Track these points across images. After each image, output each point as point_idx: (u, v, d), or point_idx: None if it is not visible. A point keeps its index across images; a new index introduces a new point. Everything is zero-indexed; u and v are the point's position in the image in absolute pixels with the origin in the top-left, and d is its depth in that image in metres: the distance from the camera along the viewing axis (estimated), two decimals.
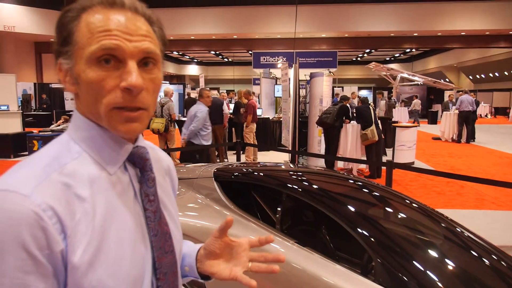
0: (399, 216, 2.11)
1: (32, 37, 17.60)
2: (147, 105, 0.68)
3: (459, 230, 2.02)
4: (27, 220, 0.56)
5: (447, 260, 1.75)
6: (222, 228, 0.83)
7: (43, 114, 16.11)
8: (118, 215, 0.68)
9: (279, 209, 2.22)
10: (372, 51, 24.43)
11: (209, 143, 5.81)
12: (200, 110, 5.63)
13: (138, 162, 0.74)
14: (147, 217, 0.73)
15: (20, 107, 12.56)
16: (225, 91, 12.70)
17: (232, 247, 0.85)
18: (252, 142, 8.18)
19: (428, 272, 1.60)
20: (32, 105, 17.15)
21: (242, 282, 0.74)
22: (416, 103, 17.13)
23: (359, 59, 30.50)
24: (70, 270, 0.60)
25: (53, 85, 18.00)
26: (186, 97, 13.94)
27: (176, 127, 8.25)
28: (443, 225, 2.03)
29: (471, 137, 12.14)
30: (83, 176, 0.66)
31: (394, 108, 14.13)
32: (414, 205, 2.20)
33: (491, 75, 27.79)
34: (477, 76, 29.37)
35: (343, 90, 19.48)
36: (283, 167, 2.77)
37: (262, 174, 2.50)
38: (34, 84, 18.28)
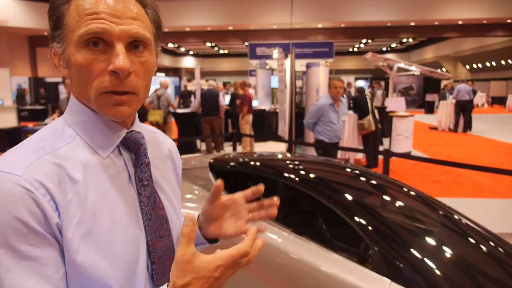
0: (396, 204, 2.09)
1: (25, 31, 17.39)
2: (136, 89, 0.68)
3: (457, 218, 2.00)
4: (23, 197, 0.58)
5: (445, 248, 1.73)
6: (212, 194, 0.83)
7: (38, 108, 16.01)
8: (111, 198, 0.68)
9: (275, 198, 2.20)
10: (369, 41, 24.30)
11: (331, 141, 4.78)
12: (317, 103, 4.94)
13: (132, 147, 0.74)
14: (141, 202, 0.73)
15: (15, 102, 12.47)
16: (221, 83, 12.61)
17: (228, 206, 0.86)
18: (248, 133, 8.15)
19: (425, 259, 1.58)
20: (27, 99, 17.02)
21: (249, 234, 0.76)
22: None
23: (355, 49, 30.36)
24: (65, 247, 0.62)
25: (48, 79, 17.87)
26: (183, 89, 13.89)
27: (173, 119, 8.21)
28: (440, 212, 2.02)
29: (468, 126, 12.15)
30: (76, 159, 0.67)
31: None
32: (411, 192, 2.19)
33: (488, 64, 27.76)
34: (474, 66, 29.35)
35: None
36: (279, 156, 2.75)
37: (258, 163, 2.47)
38: (29, 78, 18.13)
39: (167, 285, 0.62)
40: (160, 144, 0.87)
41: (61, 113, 4.82)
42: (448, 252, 1.70)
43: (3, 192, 0.58)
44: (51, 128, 0.71)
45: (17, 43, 18.17)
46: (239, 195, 0.86)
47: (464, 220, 1.99)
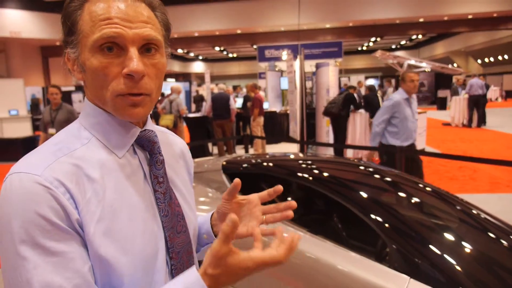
0: (413, 200, 2.07)
1: (38, 42, 17.73)
2: (150, 90, 0.70)
3: (475, 212, 1.97)
4: (44, 196, 0.60)
5: (464, 243, 1.71)
6: (230, 191, 0.84)
7: None
8: (128, 196, 0.70)
9: (289, 198, 2.20)
10: (378, 39, 24.13)
11: (403, 143, 4.05)
12: (389, 98, 4.20)
13: (147, 145, 0.77)
14: (157, 198, 0.75)
15: (29, 111, 12.69)
16: (231, 86, 12.69)
17: (244, 206, 0.87)
18: (260, 136, 8.16)
19: (444, 255, 1.56)
20: (41, 109, 17.30)
21: (258, 237, 0.77)
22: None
23: (364, 48, 30.16)
24: (88, 242, 0.64)
25: (62, 88, 18.12)
26: (194, 93, 14.02)
27: (184, 124, 8.27)
28: (458, 207, 1.99)
29: (482, 121, 11.94)
30: (93, 159, 0.69)
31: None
32: (427, 188, 2.16)
33: (500, 58, 27.27)
34: (486, 60, 28.87)
35: (349, 80, 19.32)
36: (292, 156, 2.74)
37: (271, 164, 2.47)
38: (42, 88, 18.44)
39: (198, 269, 0.64)
40: (172, 144, 0.90)
41: (45, 130, 4.73)
42: (467, 247, 1.67)
43: (25, 190, 0.60)
44: (67, 131, 0.74)
45: (30, 53, 18.53)
46: (254, 196, 0.87)
47: (482, 215, 1.96)
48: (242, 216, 0.87)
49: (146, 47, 0.69)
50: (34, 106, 16.19)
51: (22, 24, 15.87)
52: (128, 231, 0.68)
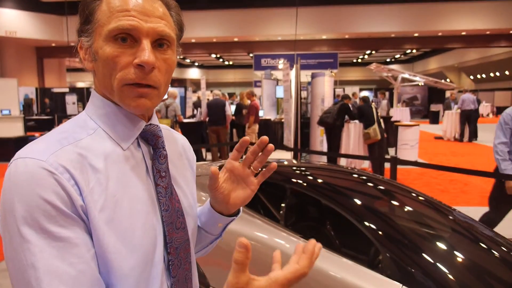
0: (406, 209, 2.09)
1: (33, 42, 17.63)
2: (158, 84, 0.72)
3: (468, 222, 1.99)
4: (49, 180, 0.60)
5: (456, 252, 1.72)
6: (210, 183, 0.82)
7: (45, 118, 16.14)
8: (131, 188, 0.70)
9: (283, 205, 2.20)
10: (373, 52, 24.41)
11: None
12: (507, 112, 3.26)
13: (151, 139, 0.77)
14: (158, 192, 0.75)
15: (22, 112, 12.58)
16: (226, 93, 12.74)
17: (231, 177, 0.85)
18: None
19: (437, 264, 1.57)
20: (34, 109, 17.17)
21: (264, 177, 0.81)
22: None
23: (359, 60, 30.48)
24: (92, 228, 0.64)
25: (55, 90, 18.04)
26: (195, 99, 14.12)
27: (179, 129, 8.26)
28: (450, 217, 2.01)
29: (473, 136, 12.10)
30: (98, 149, 0.69)
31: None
32: (420, 198, 2.18)
33: (492, 75, 27.72)
34: (478, 76, 29.31)
35: (344, 91, 19.48)
36: (285, 163, 2.75)
37: None
38: (36, 88, 18.30)
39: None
40: (175, 141, 0.90)
41: None
42: (459, 256, 1.69)
43: (30, 175, 0.60)
44: (74, 121, 0.74)
45: (25, 54, 18.40)
46: (230, 162, 0.84)
47: (475, 225, 1.98)
48: (236, 185, 0.85)
49: (159, 42, 0.71)
50: (26, 107, 16.05)
51: (18, 23, 15.80)
52: (129, 222, 0.68)
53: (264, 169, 0.85)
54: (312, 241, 0.67)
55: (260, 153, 0.83)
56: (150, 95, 0.71)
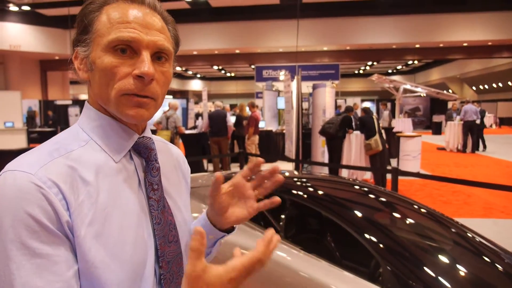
0: (408, 221, 2.06)
1: (37, 56, 17.82)
2: (156, 95, 0.72)
3: (470, 235, 1.96)
4: (36, 195, 0.60)
5: (458, 266, 1.69)
6: (213, 187, 0.81)
7: (48, 130, 16.22)
8: (121, 201, 0.69)
9: (283, 216, 2.18)
10: (374, 63, 24.52)
11: None
12: None
13: (143, 152, 0.77)
14: (150, 205, 0.74)
15: (25, 124, 12.67)
16: (228, 105, 12.83)
17: (233, 192, 0.84)
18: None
19: (438, 277, 1.54)
20: (37, 122, 17.27)
21: (265, 207, 0.79)
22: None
23: (361, 71, 30.61)
24: (77, 245, 0.63)
25: (58, 102, 18.19)
26: (198, 110, 14.25)
27: (180, 140, 8.27)
28: (453, 230, 1.98)
29: (476, 147, 12.04)
30: (89, 161, 0.69)
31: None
32: (422, 210, 2.15)
33: (494, 85, 27.73)
34: (481, 87, 29.33)
35: (346, 102, 19.50)
36: (286, 174, 2.73)
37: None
38: (39, 101, 18.45)
39: None
40: (168, 153, 0.90)
41: None
42: (462, 270, 1.65)
43: (17, 188, 0.60)
44: (66, 132, 0.74)
45: (29, 67, 18.59)
46: (238, 177, 0.83)
47: (477, 238, 1.94)
48: (236, 201, 0.84)
49: (158, 55, 0.72)
50: (30, 119, 16.16)
51: (22, 37, 15.99)
52: (119, 236, 0.67)
53: (267, 198, 0.83)
54: (271, 230, 0.68)
55: (268, 180, 0.82)
56: (148, 105, 0.71)
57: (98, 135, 0.73)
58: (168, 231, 0.76)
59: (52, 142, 0.71)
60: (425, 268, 1.58)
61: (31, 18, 15.83)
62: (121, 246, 0.67)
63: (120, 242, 0.67)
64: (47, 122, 17.34)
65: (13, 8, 14.19)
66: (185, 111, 15.80)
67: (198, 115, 12.95)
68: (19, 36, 15.88)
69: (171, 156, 0.90)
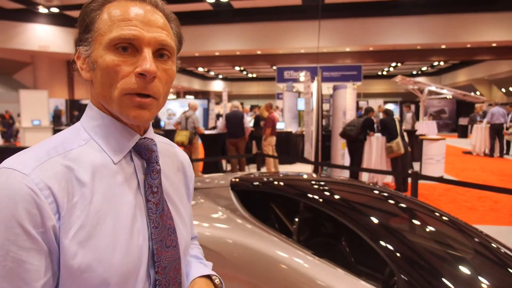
0: (426, 229, 1.97)
1: (64, 56, 18.32)
2: (158, 94, 0.70)
3: (494, 246, 1.86)
4: (24, 197, 0.59)
5: (479, 278, 1.60)
6: None
7: None
8: (116, 203, 0.68)
9: (296, 219, 2.13)
10: (398, 64, 24.02)
11: None
12: None
13: (144, 153, 0.75)
14: (149, 209, 0.73)
15: (51, 122, 13.05)
16: (249, 106, 12.85)
17: None
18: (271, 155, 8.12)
19: None
20: (63, 120, 17.78)
21: None
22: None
23: (384, 73, 30.06)
24: (61, 251, 0.62)
25: (84, 101, 18.68)
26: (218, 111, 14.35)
27: (200, 140, 8.31)
28: (475, 239, 1.88)
29: (504, 151, 11.60)
30: (86, 162, 0.68)
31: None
32: (443, 217, 2.06)
33: None
34: (511, 89, 28.29)
35: (368, 104, 19.19)
36: (304, 176, 2.68)
37: (281, 183, 2.42)
38: (66, 100, 19.00)
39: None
40: (173, 156, 0.87)
41: None
42: (483, 282, 1.57)
43: (7, 188, 0.60)
44: (68, 131, 0.74)
45: (57, 67, 19.16)
46: None
47: (502, 249, 1.84)
48: None
49: (160, 53, 0.71)
50: (56, 118, 16.67)
51: (51, 38, 16.47)
52: (110, 240, 0.66)
53: None
54: None
55: None
56: (150, 105, 0.70)
57: (98, 134, 0.72)
58: (166, 235, 0.74)
59: (52, 139, 0.70)
60: (443, 279, 1.51)
61: (59, 19, 16.28)
62: (111, 250, 0.65)
63: (111, 246, 0.66)
64: (72, 121, 17.84)
65: (42, 10, 14.63)
66: (206, 112, 15.93)
67: (218, 116, 13.08)
68: (47, 37, 16.37)
69: (176, 160, 0.88)
